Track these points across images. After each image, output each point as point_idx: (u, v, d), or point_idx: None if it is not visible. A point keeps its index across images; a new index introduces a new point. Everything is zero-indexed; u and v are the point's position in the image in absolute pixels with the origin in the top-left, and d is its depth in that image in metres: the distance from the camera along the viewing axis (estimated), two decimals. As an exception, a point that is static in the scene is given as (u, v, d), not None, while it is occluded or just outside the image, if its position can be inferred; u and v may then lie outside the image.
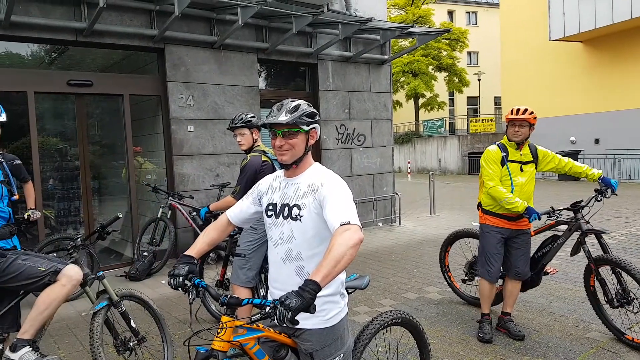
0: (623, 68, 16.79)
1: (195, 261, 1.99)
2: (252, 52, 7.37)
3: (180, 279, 1.87)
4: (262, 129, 2.52)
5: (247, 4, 6.05)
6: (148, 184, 6.62)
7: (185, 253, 2.02)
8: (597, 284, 3.75)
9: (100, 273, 3.08)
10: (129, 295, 3.17)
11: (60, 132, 6.79)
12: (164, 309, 4.75)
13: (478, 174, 4.06)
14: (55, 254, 3.15)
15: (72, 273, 2.80)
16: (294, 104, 1.96)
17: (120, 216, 3.48)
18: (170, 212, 6.32)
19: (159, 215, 6.25)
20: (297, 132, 1.93)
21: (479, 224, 4.02)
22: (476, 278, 4.51)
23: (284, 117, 1.90)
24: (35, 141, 5.82)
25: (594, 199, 3.85)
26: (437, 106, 29.48)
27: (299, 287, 1.57)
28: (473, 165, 21.93)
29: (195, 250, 2.06)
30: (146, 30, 6.31)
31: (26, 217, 4.11)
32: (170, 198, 6.28)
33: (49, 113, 6.81)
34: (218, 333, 1.82)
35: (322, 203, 1.88)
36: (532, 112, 3.67)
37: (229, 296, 1.83)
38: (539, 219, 3.59)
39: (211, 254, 4.64)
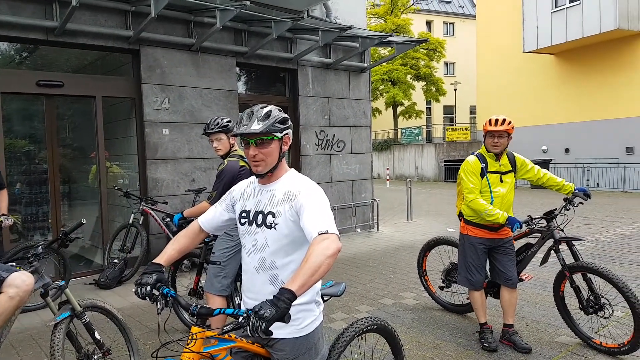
0: (592, 80, 17.35)
1: (164, 269, 1.90)
2: (231, 55, 7.29)
3: (148, 288, 1.78)
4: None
5: (226, 7, 5.98)
6: (119, 189, 6.43)
7: (153, 261, 1.93)
8: (568, 291, 3.79)
9: (62, 282, 2.92)
10: (92, 305, 3.01)
11: (28, 134, 6.54)
12: (135, 318, 4.60)
13: (454, 181, 4.05)
14: (14, 263, 2.98)
15: (18, 282, 2.57)
16: (264, 110, 1.90)
17: (84, 222, 3.32)
18: (142, 217, 6.14)
19: (130, 221, 6.07)
20: (270, 139, 1.87)
21: (456, 231, 4.04)
22: (453, 285, 4.55)
23: (256, 127, 1.84)
24: (1, 143, 5.60)
25: (563, 209, 3.89)
26: (415, 114, 29.86)
27: (274, 296, 1.52)
28: (449, 172, 22.26)
29: (164, 258, 1.97)
30: (121, 31, 6.16)
31: None
32: (142, 203, 6.10)
33: (17, 114, 6.56)
34: (188, 344, 1.74)
35: (299, 211, 1.83)
36: (510, 122, 3.65)
37: (199, 306, 1.76)
38: (521, 227, 3.58)
39: (185, 261, 4.51)
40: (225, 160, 3.60)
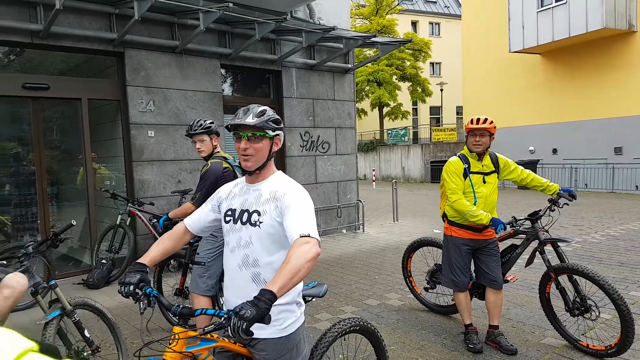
0: (579, 80, 17.31)
1: (148, 269, 1.94)
2: (214, 57, 7.32)
3: (131, 287, 1.82)
4: (221, 134, 2.51)
5: (209, 9, 6.01)
6: (106, 190, 6.44)
7: (137, 261, 1.97)
8: (554, 292, 3.78)
9: (53, 282, 2.97)
10: (82, 304, 3.08)
11: (16, 137, 6.52)
12: (122, 317, 4.63)
13: (439, 182, 4.03)
14: (4, 262, 3.03)
15: (13, 283, 2.66)
16: (260, 108, 1.95)
17: (74, 223, 3.37)
18: (129, 218, 6.17)
19: (118, 222, 6.09)
20: (262, 136, 1.92)
21: (443, 234, 4.00)
22: (438, 286, 4.55)
23: (251, 120, 1.89)
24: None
25: (548, 210, 3.88)
26: (401, 115, 29.99)
27: (254, 297, 1.55)
28: (435, 173, 22.40)
29: (148, 258, 2.00)
30: (105, 34, 6.16)
31: None
32: (129, 204, 6.13)
33: (3, 117, 6.53)
34: (170, 344, 1.78)
35: (283, 211, 1.87)
36: (492, 122, 3.65)
37: (181, 306, 1.80)
38: (505, 229, 3.56)
39: (172, 262, 4.55)
40: (209, 162, 3.65)
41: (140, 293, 1.84)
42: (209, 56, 7.25)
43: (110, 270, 5.87)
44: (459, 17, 31.08)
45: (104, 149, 7.09)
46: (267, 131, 1.92)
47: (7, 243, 5.73)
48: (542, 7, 17.32)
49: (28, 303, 4.71)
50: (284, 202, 1.89)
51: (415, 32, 34.55)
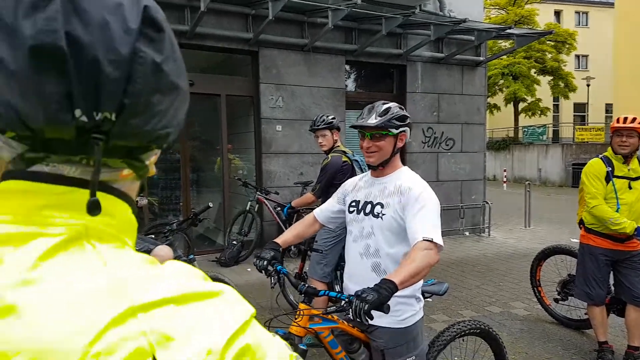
0: None
1: (280, 249, 2.11)
2: (340, 54, 7.48)
3: (265, 262, 2.01)
4: (341, 129, 2.60)
5: (338, 7, 6.16)
6: (239, 179, 7.03)
7: (273, 240, 2.15)
8: None
9: (191, 256, 3.34)
10: (215, 278, 3.38)
11: (164, 128, 7.45)
12: (249, 294, 4.98)
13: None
14: (153, 236, 3.48)
15: (162, 253, 3.05)
16: (384, 106, 1.99)
17: (211, 205, 3.75)
18: (257, 205, 6.64)
19: (247, 208, 6.60)
20: (385, 135, 1.97)
21: (579, 242, 3.70)
22: (570, 298, 4.18)
23: (372, 120, 1.95)
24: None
25: None
26: (539, 112, 27.54)
27: (376, 285, 1.61)
28: (577, 176, 19.94)
29: (282, 239, 2.18)
30: (242, 34, 6.68)
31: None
32: (258, 192, 6.59)
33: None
34: (295, 319, 1.93)
35: (407, 207, 1.90)
36: None
37: (306, 285, 1.93)
38: None
39: (292, 248, 4.81)
40: (329, 156, 3.77)
41: (271, 269, 2.02)
42: (335, 53, 7.43)
43: (239, 251, 6.41)
44: (611, 4, 27.44)
45: (238, 141, 7.72)
46: (390, 129, 1.96)
47: (155, 220, 6.56)
48: None
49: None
50: (408, 197, 1.91)
51: (559, 23, 31.41)
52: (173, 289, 0.46)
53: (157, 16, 0.50)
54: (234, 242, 6.43)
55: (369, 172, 2.16)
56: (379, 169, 2.04)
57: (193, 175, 7.41)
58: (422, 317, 2.09)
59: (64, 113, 0.44)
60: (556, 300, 4.33)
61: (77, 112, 0.44)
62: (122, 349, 0.41)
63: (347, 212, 2.15)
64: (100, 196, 0.48)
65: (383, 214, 1.97)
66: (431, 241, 1.77)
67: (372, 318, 1.55)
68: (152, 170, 0.58)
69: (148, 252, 3.02)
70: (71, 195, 0.49)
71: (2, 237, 0.45)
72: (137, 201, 2.44)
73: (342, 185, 2.27)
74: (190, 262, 3.31)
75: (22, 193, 0.48)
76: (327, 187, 3.67)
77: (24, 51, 0.42)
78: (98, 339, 0.41)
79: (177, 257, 3.23)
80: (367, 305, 1.53)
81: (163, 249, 3.09)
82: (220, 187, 7.18)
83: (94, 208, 0.47)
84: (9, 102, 0.44)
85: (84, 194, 0.48)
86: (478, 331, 2.48)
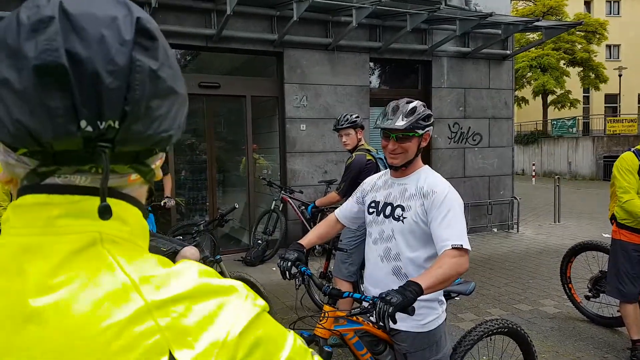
0: None
1: (304, 250, 2.11)
2: (364, 52, 7.46)
3: (289, 263, 2.00)
4: (365, 127, 2.58)
5: (362, 5, 6.15)
6: (264, 178, 7.11)
7: (297, 242, 2.15)
8: None
9: (218, 257, 3.41)
10: (240, 278, 3.46)
11: (191, 129, 7.59)
12: (273, 294, 5.04)
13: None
14: (181, 237, 3.57)
15: (188, 254, 3.13)
16: (410, 106, 1.93)
17: (237, 206, 3.82)
18: (282, 205, 6.70)
19: (272, 207, 6.67)
20: (412, 136, 1.92)
21: (611, 238, 3.63)
22: (602, 295, 4.10)
23: (400, 123, 1.89)
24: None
25: None
26: (568, 104, 26.74)
27: (400, 286, 1.59)
28: (608, 169, 19.33)
29: (306, 240, 2.18)
30: (267, 35, 6.74)
31: (162, 204, 4.72)
32: (282, 192, 6.65)
33: (183, 112, 7.64)
34: (320, 320, 1.92)
35: (431, 211, 1.85)
36: None
37: (331, 287, 1.93)
38: None
39: (317, 247, 4.84)
40: (353, 154, 3.78)
41: (296, 270, 2.02)
42: (359, 51, 7.42)
43: (264, 250, 6.48)
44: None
45: (263, 141, 7.80)
46: (417, 130, 1.91)
47: (182, 221, 6.70)
48: None
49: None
50: (431, 202, 1.86)
51: (589, 12, 30.33)
52: (186, 286, 0.50)
53: (150, 26, 0.52)
54: (259, 242, 6.51)
55: (387, 171, 2.11)
56: (401, 169, 1.99)
57: (219, 176, 7.53)
58: (445, 319, 2.06)
59: (70, 125, 0.47)
60: (587, 298, 4.25)
61: (83, 123, 0.47)
62: (140, 346, 0.45)
63: (366, 212, 2.11)
64: (111, 202, 0.51)
65: (404, 217, 1.92)
66: (461, 247, 1.73)
67: (395, 322, 1.52)
68: (159, 175, 0.60)
69: (175, 253, 3.11)
70: (84, 203, 0.52)
71: (23, 248, 0.50)
72: (165, 202, 2.56)
73: (361, 184, 2.23)
74: (217, 262, 3.38)
75: (38, 206, 0.51)
76: (351, 185, 3.68)
77: (29, 71, 0.45)
78: (117, 338, 0.45)
79: (204, 258, 3.31)
80: (391, 308, 1.50)
81: (190, 250, 3.18)
82: (245, 187, 7.28)
83: (104, 213, 0.50)
84: (19, 120, 0.46)
85: (95, 201, 0.51)
86: (506, 330, 2.46)
